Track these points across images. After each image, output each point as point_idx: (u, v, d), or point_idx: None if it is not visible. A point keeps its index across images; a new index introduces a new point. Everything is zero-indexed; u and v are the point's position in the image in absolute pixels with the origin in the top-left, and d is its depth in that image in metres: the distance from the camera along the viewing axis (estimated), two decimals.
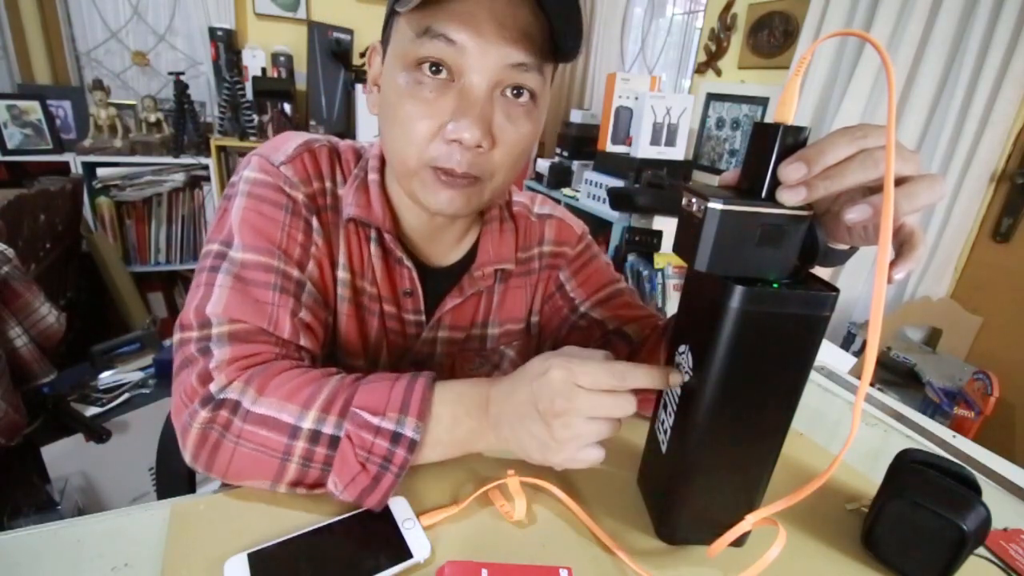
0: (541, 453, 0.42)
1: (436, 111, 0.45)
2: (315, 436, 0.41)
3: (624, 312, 0.65)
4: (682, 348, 0.43)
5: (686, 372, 0.41)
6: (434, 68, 0.44)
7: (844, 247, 0.41)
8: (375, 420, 0.41)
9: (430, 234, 0.58)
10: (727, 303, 0.35)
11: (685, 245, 0.37)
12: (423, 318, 0.59)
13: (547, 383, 0.40)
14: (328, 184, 0.54)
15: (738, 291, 0.35)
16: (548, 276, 0.67)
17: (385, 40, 0.49)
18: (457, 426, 0.44)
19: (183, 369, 0.44)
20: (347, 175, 0.56)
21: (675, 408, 0.43)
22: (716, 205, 0.34)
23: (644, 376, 0.41)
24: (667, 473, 0.45)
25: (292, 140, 0.54)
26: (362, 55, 2.47)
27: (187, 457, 0.45)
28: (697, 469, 0.42)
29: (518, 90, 0.46)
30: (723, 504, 0.44)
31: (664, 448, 0.45)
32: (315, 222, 0.52)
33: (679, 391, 0.43)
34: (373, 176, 0.55)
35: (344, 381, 0.44)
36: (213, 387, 0.43)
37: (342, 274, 0.55)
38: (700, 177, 2.28)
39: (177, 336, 0.46)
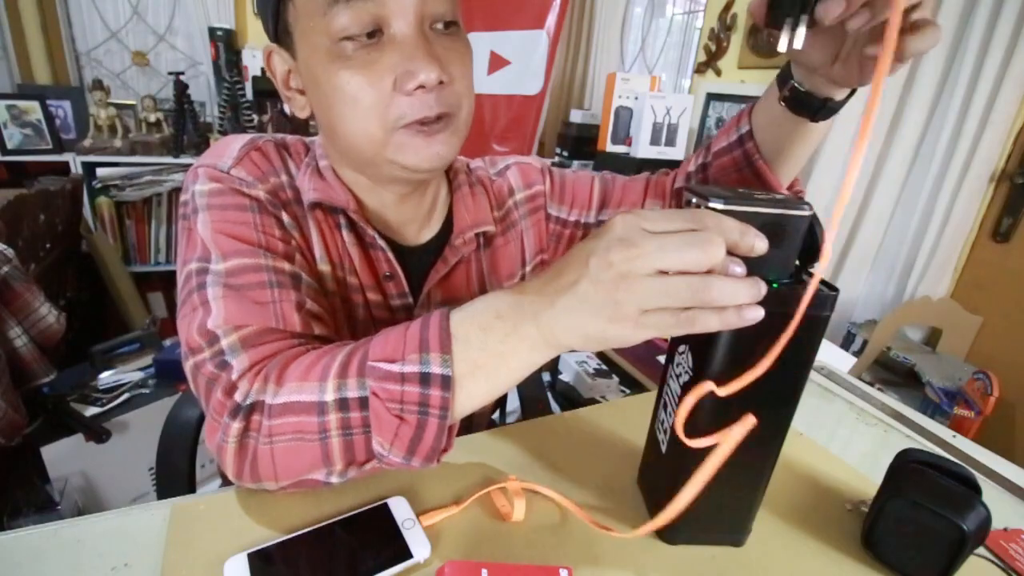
0: (600, 326, 0.33)
1: (381, 73, 0.44)
2: (343, 404, 0.37)
3: (629, 196, 0.65)
4: (681, 348, 0.43)
5: (686, 372, 0.41)
6: (364, 34, 0.43)
7: (843, 95, 0.48)
8: (396, 368, 0.36)
9: (398, 213, 0.56)
10: None
11: None
12: (410, 300, 0.57)
13: (606, 232, 0.33)
14: (285, 178, 0.52)
15: None
16: (536, 220, 0.66)
17: (282, 36, 0.48)
18: (490, 336, 0.36)
19: (209, 390, 0.42)
20: (300, 166, 0.54)
21: (675, 408, 0.43)
22: (717, 205, 0.34)
23: (727, 226, 0.32)
24: (667, 473, 0.45)
25: (234, 143, 0.51)
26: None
27: (231, 476, 0.42)
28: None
29: (443, 23, 0.46)
30: (724, 504, 0.44)
31: (664, 448, 0.45)
32: (285, 216, 0.50)
33: (678, 391, 0.42)
34: (324, 163, 0.54)
35: (355, 343, 0.41)
36: (239, 396, 0.40)
37: (323, 267, 0.53)
38: None
39: (190, 362, 0.43)
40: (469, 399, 0.38)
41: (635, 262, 0.31)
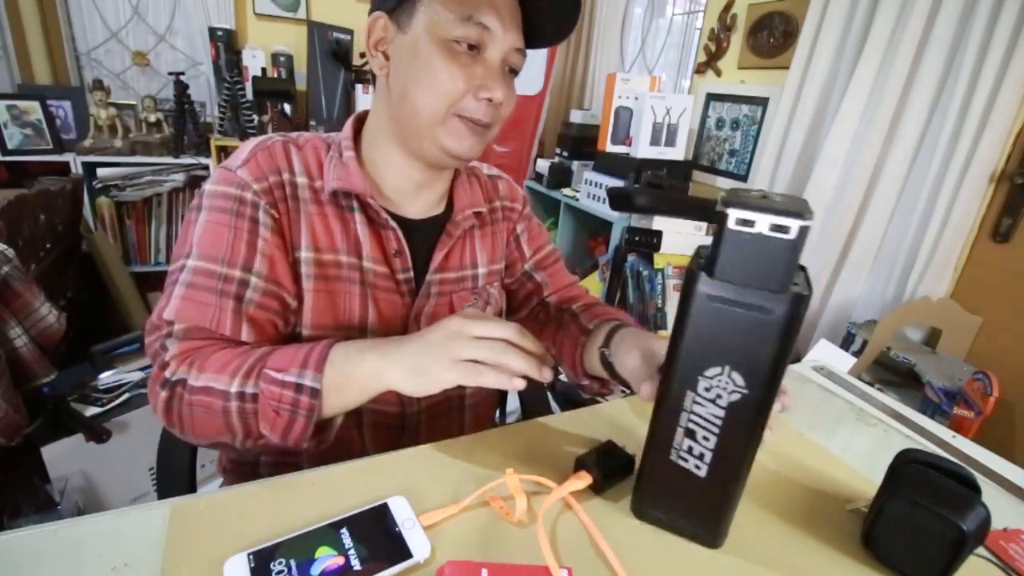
0: (424, 362, 0.47)
1: (469, 75, 0.57)
2: (242, 396, 0.49)
3: (556, 281, 0.79)
4: (714, 371, 0.41)
5: (733, 392, 0.41)
6: (468, 45, 0.56)
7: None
8: (280, 376, 0.48)
9: (414, 192, 0.66)
10: (773, 309, 0.38)
11: (758, 270, 0.38)
12: (411, 274, 0.65)
13: (441, 322, 0.50)
14: (286, 176, 0.60)
15: (793, 299, 0.38)
16: (508, 228, 0.77)
17: (401, 13, 0.57)
18: (352, 365, 0.49)
19: (153, 361, 0.54)
20: (308, 164, 0.62)
21: (716, 431, 0.43)
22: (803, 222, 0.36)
23: (528, 343, 0.49)
24: (714, 491, 0.45)
25: (250, 144, 0.61)
26: (362, 55, 2.46)
27: (163, 422, 0.54)
28: (747, 474, 0.44)
29: (511, 68, 0.60)
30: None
31: (704, 472, 0.44)
32: (265, 216, 0.58)
33: (721, 412, 0.42)
34: (348, 154, 0.62)
35: (264, 351, 0.52)
36: (168, 373, 0.52)
37: (305, 254, 0.60)
38: (700, 177, 2.28)
39: (150, 337, 0.55)
40: (329, 408, 0.50)
41: (465, 328, 0.48)
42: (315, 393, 0.48)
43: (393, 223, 0.62)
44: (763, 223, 0.36)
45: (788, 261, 0.37)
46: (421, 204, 0.67)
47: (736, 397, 0.41)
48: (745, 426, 0.42)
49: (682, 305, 0.42)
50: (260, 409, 0.49)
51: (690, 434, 0.44)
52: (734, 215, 0.37)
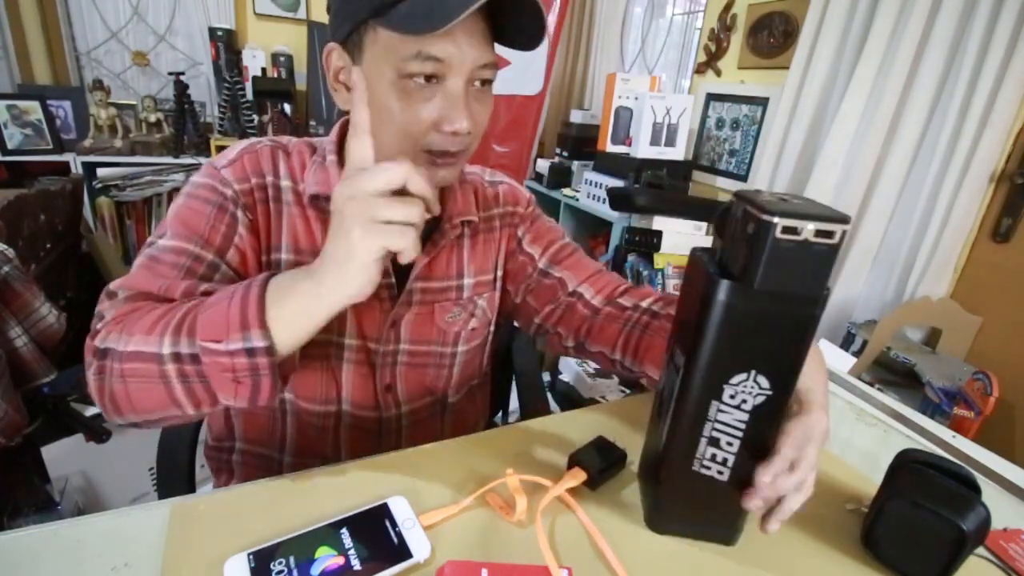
0: (335, 250, 0.43)
1: (427, 109, 0.53)
2: (177, 357, 0.44)
3: (579, 271, 0.72)
4: (739, 378, 0.41)
5: (758, 395, 0.41)
6: (425, 77, 0.52)
7: None
8: (223, 346, 0.43)
9: None
10: (812, 313, 0.38)
11: (784, 274, 0.38)
12: (392, 280, 0.63)
13: (335, 202, 0.44)
14: (270, 179, 0.60)
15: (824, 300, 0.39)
16: (509, 234, 0.74)
17: (351, 44, 0.54)
18: (292, 296, 0.45)
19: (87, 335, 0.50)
20: (293, 168, 0.61)
21: (739, 435, 0.42)
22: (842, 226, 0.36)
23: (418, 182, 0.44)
24: (733, 496, 0.44)
25: (238, 146, 0.60)
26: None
27: (101, 409, 0.49)
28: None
29: (482, 81, 0.55)
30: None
31: (727, 476, 0.44)
32: (243, 216, 0.57)
33: (746, 416, 0.42)
34: (331, 158, 0.61)
35: (190, 304, 0.47)
36: (97, 341, 0.47)
37: (285, 256, 0.60)
38: (700, 177, 2.28)
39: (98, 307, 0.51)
40: (286, 349, 0.45)
41: (358, 189, 0.42)
42: (269, 350, 0.44)
43: None
44: (809, 230, 0.36)
45: (829, 265, 0.37)
46: None
47: (761, 400, 0.41)
48: (767, 424, 0.42)
49: (704, 316, 0.40)
50: (213, 380, 0.45)
51: (714, 442, 0.43)
52: (781, 224, 0.36)
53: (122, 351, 0.45)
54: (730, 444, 0.43)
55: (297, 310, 0.45)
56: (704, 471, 0.44)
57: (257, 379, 0.45)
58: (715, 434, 0.43)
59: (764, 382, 0.40)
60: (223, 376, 0.44)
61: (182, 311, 0.46)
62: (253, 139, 0.62)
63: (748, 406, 0.41)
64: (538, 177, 2.68)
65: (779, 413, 0.42)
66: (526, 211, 0.76)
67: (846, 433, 0.70)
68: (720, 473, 0.44)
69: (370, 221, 0.41)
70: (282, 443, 0.64)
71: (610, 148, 2.22)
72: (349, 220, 0.42)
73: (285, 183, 0.60)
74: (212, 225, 0.55)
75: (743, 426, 0.42)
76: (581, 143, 2.52)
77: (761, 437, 0.42)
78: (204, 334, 0.44)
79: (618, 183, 2.04)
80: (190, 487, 0.72)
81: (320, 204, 0.60)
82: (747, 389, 0.41)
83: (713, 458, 0.44)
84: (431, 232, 0.65)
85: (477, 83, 0.55)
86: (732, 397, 0.41)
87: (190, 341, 0.44)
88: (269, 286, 0.45)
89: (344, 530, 0.43)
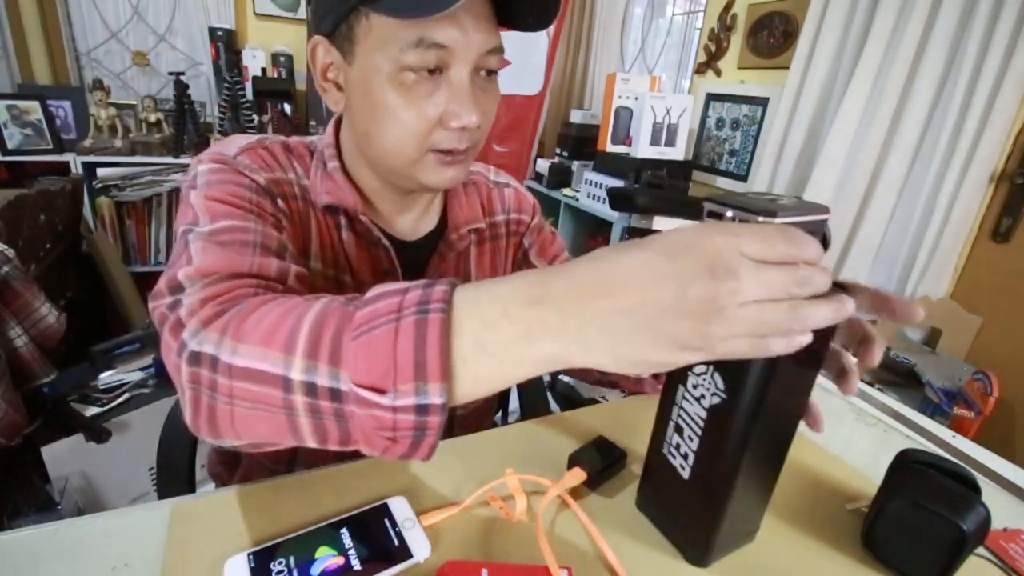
0: (656, 353, 0.30)
1: (431, 104, 0.48)
2: (311, 389, 0.33)
3: None
4: (701, 368, 0.40)
5: (714, 394, 0.40)
6: (423, 69, 0.47)
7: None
8: (387, 400, 0.31)
9: (401, 210, 0.60)
10: None
11: None
12: None
13: (696, 251, 0.29)
14: (291, 175, 0.54)
15: None
16: (515, 244, 0.71)
17: (341, 37, 0.48)
18: (491, 336, 0.31)
19: (161, 329, 0.39)
20: (306, 168, 0.56)
21: (699, 431, 0.42)
22: (783, 219, 0.33)
23: (816, 252, 0.30)
24: (696, 499, 0.44)
25: (240, 140, 0.54)
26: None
27: (191, 427, 0.38)
28: (731, 491, 0.41)
29: (487, 71, 0.51)
30: (745, 516, 0.45)
31: (687, 474, 0.44)
32: (283, 205, 0.51)
33: (704, 413, 0.41)
34: (333, 164, 0.56)
35: (329, 308, 0.35)
36: (186, 334, 0.37)
37: (314, 264, 0.55)
38: (700, 177, 2.27)
39: (152, 303, 0.42)
40: (463, 400, 0.34)
41: (737, 296, 0.28)
42: (444, 408, 0.32)
43: (385, 241, 0.58)
44: (728, 216, 0.36)
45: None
46: (410, 220, 0.62)
47: (716, 400, 0.40)
48: (723, 436, 0.40)
49: None
50: (358, 432, 0.34)
51: (679, 430, 0.44)
52: (708, 207, 0.37)
53: (230, 363, 0.34)
54: (691, 439, 0.43)
55: (506, 358, 0.31)
56: (670, 458, 0.45)
57: (420, 439, 0.33)
58: (679, 422, 0.44)
59: (720, 382, 0.40)
60: (376, 433, 0.33)
61: (312, 316, 0.34)
62: (252, 136, 0.55)
63: (706, 403, 0.41)
64: (538, 177, 2.69)
65: (730, 430, 0.40)
66: (532, 221, 0.73)
67: (846, 433, 0.69)
68: (682, 468, 0.44)
69: (777, 332, 0.29)
70: (291, 459, 0.62)
71: (610, 148, 2.22)
72: (737, 322, 0.28)
73: (305, 182, 0.56)
74: (258, 204, 0.48)
75: (702, 423, 0.42)
76: (581, 143, 2.53)
77: (716, 446, 0.41)
78: (359, 375, 0.31)
79: (618, 183, 2.05)
80: (190, 487, 0.72)
81: (336, 216, 0.56)
82: (705, 383, 0.41)
83: (677, 448, 0.44)
84: (436, 242, 0.63)
85: (483, 72, 0.50)
86: (695, 387, 0.42)
87: (332, 372, 0.32)
88: (458, 317, 0.32)
89: (344, 530, 0.43)
